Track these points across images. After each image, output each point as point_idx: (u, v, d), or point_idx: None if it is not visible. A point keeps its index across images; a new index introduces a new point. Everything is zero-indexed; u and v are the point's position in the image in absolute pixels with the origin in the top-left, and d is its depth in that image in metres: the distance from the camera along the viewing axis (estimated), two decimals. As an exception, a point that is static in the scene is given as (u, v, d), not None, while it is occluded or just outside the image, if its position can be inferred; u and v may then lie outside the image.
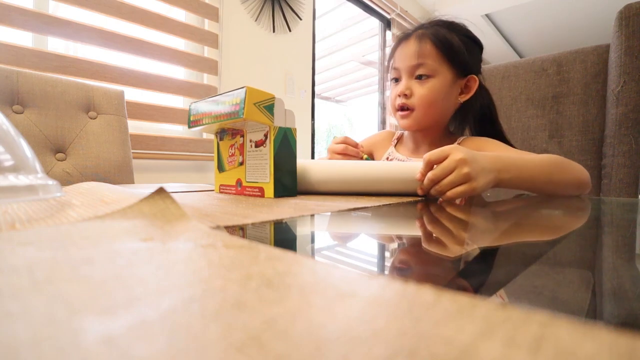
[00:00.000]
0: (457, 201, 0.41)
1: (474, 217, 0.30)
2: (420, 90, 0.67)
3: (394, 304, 0.08)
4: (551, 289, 0.11)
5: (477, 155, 0.43)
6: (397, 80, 0.71)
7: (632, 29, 0.75)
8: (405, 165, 0.45)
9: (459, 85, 0.68)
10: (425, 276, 0.13)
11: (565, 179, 0.52)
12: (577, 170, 0.54)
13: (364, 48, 3.25)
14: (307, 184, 0.46)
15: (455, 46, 0.66)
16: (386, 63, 0.77)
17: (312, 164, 0.46)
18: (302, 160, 0.47)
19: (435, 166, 0.42)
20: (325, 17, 2.95)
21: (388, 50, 2.65)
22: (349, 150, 0.70)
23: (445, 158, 0.41)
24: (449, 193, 0.41)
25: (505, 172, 0.46)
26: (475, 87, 0.69)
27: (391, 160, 0.78)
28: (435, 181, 0.41)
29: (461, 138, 0.71)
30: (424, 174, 0.42)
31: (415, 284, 0.09)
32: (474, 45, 0.70)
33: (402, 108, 0.69)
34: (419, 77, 0.67)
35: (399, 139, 0.82)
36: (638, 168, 0.76)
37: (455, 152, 0.41)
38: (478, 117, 0.74)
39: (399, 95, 0.68)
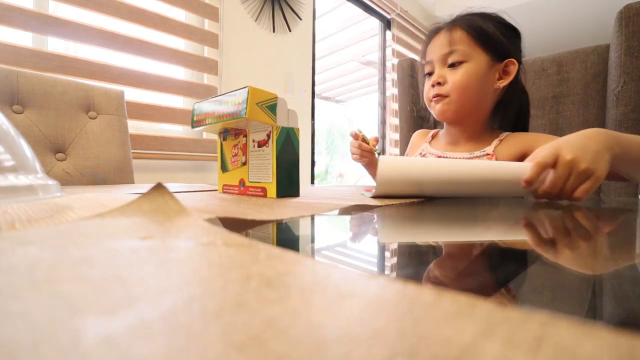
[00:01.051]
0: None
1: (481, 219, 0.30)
2: (453, 77, 0.63)
3: (394, 304, 0.08)
4: (551, 289, 0.11)
5: (582, 142, 0.39)
6: (430, 74, 0.68)
7: (632, 29, 0.75)
8: (514, 166, 0.41)
9: (496, 69, 0.64)
10: (419, 274, 0.13)
11: None
12: None
13: (364, 48, 3.25)
14: (412, 184, 0.39)
15: (488, 31, 0.62)
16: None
17: (420, 162, 0.41)
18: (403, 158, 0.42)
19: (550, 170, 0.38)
20: (325, 17, 2.96)
21: (388, 50, 2.65)
22: (363, 146, 0.73)
23: (555, 160, 0.38)
24: (578, 194, 0.37)
25: (616, 147, 0.40)
26: (514, 71, 0.64)
27: (424, 155, 0.75)
28: (557, 189, 0.38)
29: (504, 134, 0.66)
30: (532, 180, 0.38)
31: (415, 284, 0.09)
32: (510, 31, 0.66)
33: (435, 97, 0.66)
34: (452, 65, 0.63)
35: (434, 136, 0.79)
36: (638, 168, 0.76)
37: (562, 152, 0.38)
38: (516, 114, 0.69)
39: (433, 86, 0.66)
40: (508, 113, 0.69)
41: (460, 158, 0.67)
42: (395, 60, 2.43)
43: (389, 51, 2.66)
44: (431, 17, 2.95)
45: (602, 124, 0.84)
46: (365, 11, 2.49)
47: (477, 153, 0.65)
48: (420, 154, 0.76)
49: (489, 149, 0.65)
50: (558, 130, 0.89)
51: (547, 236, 0.21)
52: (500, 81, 0.64)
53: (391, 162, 0.39)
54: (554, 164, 0.38)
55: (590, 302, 0.10)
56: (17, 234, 0.15)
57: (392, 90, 2.54)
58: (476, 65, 0.62)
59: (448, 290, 0.08)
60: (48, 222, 0.18)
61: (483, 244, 0.19)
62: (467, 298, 0.08)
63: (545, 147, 0.40)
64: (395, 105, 2.47)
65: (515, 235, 0.22)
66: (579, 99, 0.87)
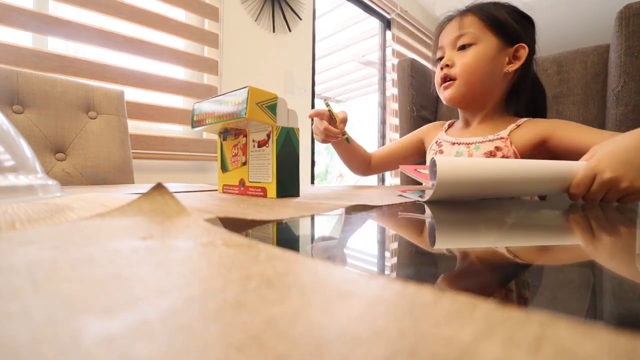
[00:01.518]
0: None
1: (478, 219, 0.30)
2: (462, 59, 0.63)
3: (394, 304, 0.08)
4: (551, 289, 0.11)
5: (626, 155, 0.38)
6: (441, 59, 0.68)
7: (632, 29, 0.75)
8: (561, 165, 0.40)
9: (506, 53, 0.63)
10: (420, 274, 0.13)
11: None
12: None
13: (364, 48, 3.25)
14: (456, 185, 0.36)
15: (499, 16, 0.63)
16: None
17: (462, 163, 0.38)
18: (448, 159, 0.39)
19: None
20: (325, 17, 2.96)
21: (388, 50, 2.65)
22: (330, 130, 0.64)
23: (592, 181, 0.38)
24: (622, 202, 0.38)
25: None
26: (524, 55, 0.63)
27: (439, 143, 0.74)
28: (598, 199, 0.39)
29: (523, 120, 0.65)
30: (578, 194, 0.39)
31: (415, 283, 0.09)
32: (524, 19, 0.65)
33: (444, 80, 0.66)
34: (462, 48, 0.64)
35: (450, 125, 0.79)
36: (638, 168, 0.75)
37: (600, 170, 0.37)
38: (530, 101, 0.68)
39: (442, 68, 0.66)
40: (520, 99, 0.68)
41: (475, 143, 0.66)
42: (395, 60, 2.43)
43: (389, 51, 2.66)
44: (431, 17, 2.94)
45: (602, 124, 0.84)
46: (365, 11, 2.49)
47: (491, 137, 0.65)
48: (437, 142, 0.75)
49: (504, 132, 0.64)
50: (558, 130, 0.89)
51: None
52: (510, 65, 0.63)
53: (451, 163, 0.37)
54: (592, 181, 0.38)
55: (590, 302, 0.10)
56: (17, 234, 0.15)
57: (392, 90, 2.54)
58: (485, 47, 0.62)
59: (448, 290, 0.08)
60: (48, 222, 0.18)
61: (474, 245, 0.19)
62: (467, 298, 0.08)
63: (584, 170, 0.39)
64: (395, 105, 2.47)
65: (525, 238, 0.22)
66: (579, 99, 0.87)
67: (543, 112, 0.70)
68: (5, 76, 0.78)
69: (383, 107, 2.70)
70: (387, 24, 2.65)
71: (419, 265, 0.15)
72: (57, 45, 1.22)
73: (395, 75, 2.29)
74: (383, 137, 2.67)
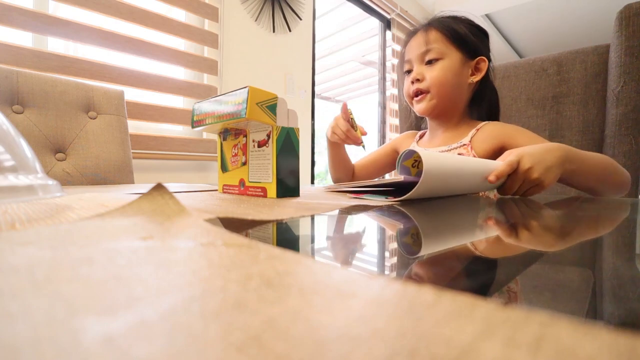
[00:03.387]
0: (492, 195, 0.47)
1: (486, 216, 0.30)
2: (431, 72, 0.69)
3: (394, 304, 0.08)
4: (551, 289, 0.11)
5: (541, 154, 0.47)
6: (409, 72, 0.73)
7: (632, 29, 0.75)
8: (489, 163, 0.46)
9: (469, 66, 0.70)
10: (423, 275, 0.13)
11: (614, 180, 0.55)
12: (623, 174, 0.57)
13: (364, 48, 3.25)
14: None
15: (460, 31, 0.69)
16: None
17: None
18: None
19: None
20: (325, 17, 2.95)
21: (388, 50, 2.66)
22: (352, 134, 0.71)
23: (513, 170, 0.46)
24: (527, 194, 0.47)
25: (568, 164, 0.49)
26: (485, 67, 0.71)
27: None
28: (513, 190, 0.47)
29: (482, 124, 0.71)
30: (500, 175, 0.45)
31: (415, 284, 0.09)
32: (479, 32, 0.72)
33: (416, 94, 0.71)
34: (429, 62, 0.69)
35: (421, 136, 0.84)
36: (638, 168, 0.76)
37: (523, 160, 0.46)
38: (488, 109, 0.77)
39: (412, 82, 0.71)
40: (481, 106, 0.76)
41: (442, 152, 0.72)
42: (395, 60, 2.43)
43: (389, 51, 2.66)
44: (431, 17, 2.94)
45: (602, 124, 0.84)
46: (365, 11, 2.49)
47: (455, 145, 0.71)
48: None
49: (466, 139, 0.70)
50: (558, 130, 0.89)
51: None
52: (473, 77, 0.71)
53: (435, 157, 0.38)
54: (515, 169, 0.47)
55: (590, 302, 0.10)
56: (17, 234, 0.15)
57: (392, 90, 2.54)
58: (451, 61, 0.68)
59: (448, 290, 0.08)
60: (48, 222, 0.18)
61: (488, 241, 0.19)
62: (467, 298, 0.08)
63: (513, 152, 0.48)
64: (395, 105, 2.47)
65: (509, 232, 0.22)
66: (579, 99, 0.87)
67: (497, 115, 0.78)
68: (5, 76, 0.78)
69: (383, 107, 2.70)
70: (387, 24, 2.65)
71: (418, 265, 0.15)
72: (57, 45, 1.22)
73: (395, 75, 2.29)
74: (383, 137, 2.67)
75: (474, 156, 0.67)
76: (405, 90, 0.75)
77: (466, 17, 0.72)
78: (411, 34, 0.75)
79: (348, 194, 0.44)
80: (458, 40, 0.68)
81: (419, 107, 0.72)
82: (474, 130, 0.70)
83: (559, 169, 0.47)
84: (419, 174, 0.46)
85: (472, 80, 0.71)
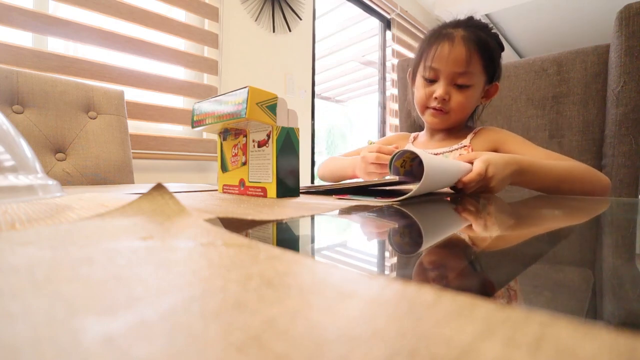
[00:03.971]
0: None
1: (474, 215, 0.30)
2: (459, 98, 0.68)
3: (394, 304, 0.08)
4: (551, 289, 0.11)
5: (502, 165, 0.52)
6: (431, 80, 0.69)
7: (632, 29, 0.75)
8: (458, 165, 0.49)
9: (485, 89, 0.71)
10: (426, 274, 0.13)
11: (584, 188, 0.58)
12: (599, 182, 0.60)
13: (364, 48, 3.25)
14: None
15: (493, 55, 0.68)
16: (414, 58, 0.76)
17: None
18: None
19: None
20: (325, 17, 2.95)
21: (388, 51, 2.65)
22: (382, 159, 0.63)
23: (483, 174, 0.50)
24: (474, 192, 0.52)
25: (519, 176, 0.55)
26: (495, 94, 0.73)
27: None
28: (470, 189, 0.51)
29: (477, 128, 0.74)
30: (471, 181, 0.49)
31: (415, 284, 0.09)
32: (500, 51, 0.71)
33: (435, 108, 0.70)
34: (459, 86, 0.67)
35: (415, 138, 0.85)
36: (638, 168, 0.76)
37: (488, 168, 0.50)
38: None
39: (436, 98, 0.68)
40: (476, 113, 0.80)
41: (442, 153, 0.74)
42: (395, 60, 2.43)
43: (389, 51, 2.66)
44: (431, 17, 2.95)
45: (602, 124, 0.84)
46: (365, 11, 2.49)
47: (456, 146, 0.72)
48: None
49: (466, 141, 0.72)
50: (558, 130, 0.89)
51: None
52: (483, 99, 0.73)
53: (431, 158, 0.41)
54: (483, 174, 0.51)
55: (590, 302, 0.10)
56: (17, 234, 0.15)
57: (392, 90, 2.54)
58: (478, 89, 0.69)
59: (448, 290, 0.08)
60: (48, 222, 0.18)
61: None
62: (467, 298, 0.08)
63: (481, 159, 0.51)
64: (395, 106, 2.47)
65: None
66: (579, 99, 0.87)
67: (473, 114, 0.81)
68: (5, 76, 0.78)
69: (383, 107, 2.70)
70: (387, 24, 2.65)
71: (416, 265, 0.15)
72: (57, 45, 1.22)
73: (395, 75, 2.29)
74: (383, 137, 2.67)
75: None
76: (420, 98, 0.72)
77: (492, 29, 0.70)
78: (445, 37, 0.66)
79: (334, 195, 0.43)
80: (490, 66, 0.68)
81: (432, 121, 0.72)
82: (472, 134, 0.73)
83: (509, 180, 0.55)
84: (407, 173, 0.47)
85: (482, 103, 0.74)
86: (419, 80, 0.73)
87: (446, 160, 0.48)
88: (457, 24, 0.69)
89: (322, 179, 0.88)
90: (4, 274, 0.09)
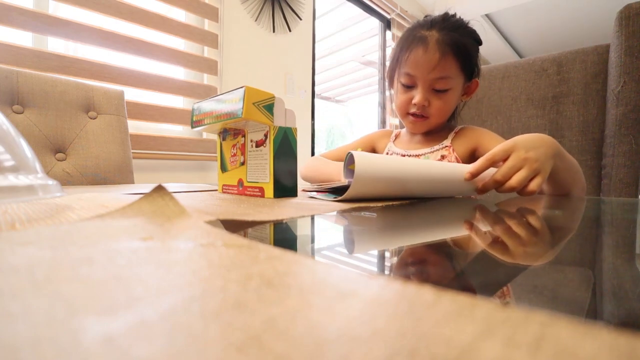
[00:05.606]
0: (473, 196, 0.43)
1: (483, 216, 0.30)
2: (438, 103, 0.67)
3: (394, 304, 0.08)
4: (551, 289, 0.11)
5: (536, 142, 0.42)
6: (408, 86, 0.68)
7: (632, 29, 0.75)
8: (462, 167, 0.43)
9: (464, 87, 0.70)
10: (424, 275, 0.13)
11: (581, 185, 0.55)
12: (582, 179, 0.57)
13: (364, 48, 3.25)
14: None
15: (470, 54, 0.66)
16: (389, 62, 0.75)
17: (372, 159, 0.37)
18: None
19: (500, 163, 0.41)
20: (325, 17, 2.95)
21: (388, 51, 2.65)
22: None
23: (507, 155, 0.41)
24: (532, 187, 0.40)
25: (559, 159, 0.45)
26: (475, 89, 0.72)
27: (391, 154, 0.78)
28: (504, 181, 0.40)
29: (457, 127, 0.73)
30: (477, 173, 0.41)
31: (415, 284, 0.09)
32: (478, 46, 0.70)
33: (414, 115, 0.69)
34: (437, 90, 0.66)
35: (397, 136, 0.83)
36: (638, 168, 0.76)
37: (517, 148, 0.41)
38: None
39: (415, 104, 0.67)
40: (456, 112, 0.79)
41: (424, 154, 0.72)
42: (395, 60, 2.43)
43: (389, 51, 2.66)
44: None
45: (602, 124, 0.84)
46: (365, 11, 2.49)
47: (437, 147, 0.71)
48: (387, 152, 0.79)
49: (447, 141, 0.71)
50: (558, 130, 0.89)
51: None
52: (464, 97, 0.72)
53: (368, 158, 0.36)
54: (505, 158, 0.41)
55: (590, 302, 0.10)
56: (17, 234, 0.15)
57: (391, 91, 2.54)
58: (457, 90, 0.68)
59: (448, 290, 0.08)
60: (48, 222, 0.18)
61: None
62: (467, 298, 0.08)
63: (503, 145, 0.42)
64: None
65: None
66: (579, 99, 0.87)
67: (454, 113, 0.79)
68: (5, 76, 0.78)
69: (383, 107, 2.70)
70: (387, 24, 2.65)
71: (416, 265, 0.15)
72: (57, 45, 1.22)
73: (395, 75, 2.28)
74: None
75: (456, 157, 0.68)
76: (400, 104, 0.70)
77: (468, 26, 0.68)
78: (418, 42, 0.64)
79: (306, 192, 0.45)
80: (466, 64, 0.66)
81: (413, 127, 0.72)
82: (452, 134, 0.72)
83: (552, 160, 0.42)
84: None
85: (463, 100, 0.72)
86: (397, 85, 0.71)
87: (427, 162, 0.41)
88: (431, 25, 0.66)
89: (304, 179, 0.83)
90: (4, 274, 0.09)
